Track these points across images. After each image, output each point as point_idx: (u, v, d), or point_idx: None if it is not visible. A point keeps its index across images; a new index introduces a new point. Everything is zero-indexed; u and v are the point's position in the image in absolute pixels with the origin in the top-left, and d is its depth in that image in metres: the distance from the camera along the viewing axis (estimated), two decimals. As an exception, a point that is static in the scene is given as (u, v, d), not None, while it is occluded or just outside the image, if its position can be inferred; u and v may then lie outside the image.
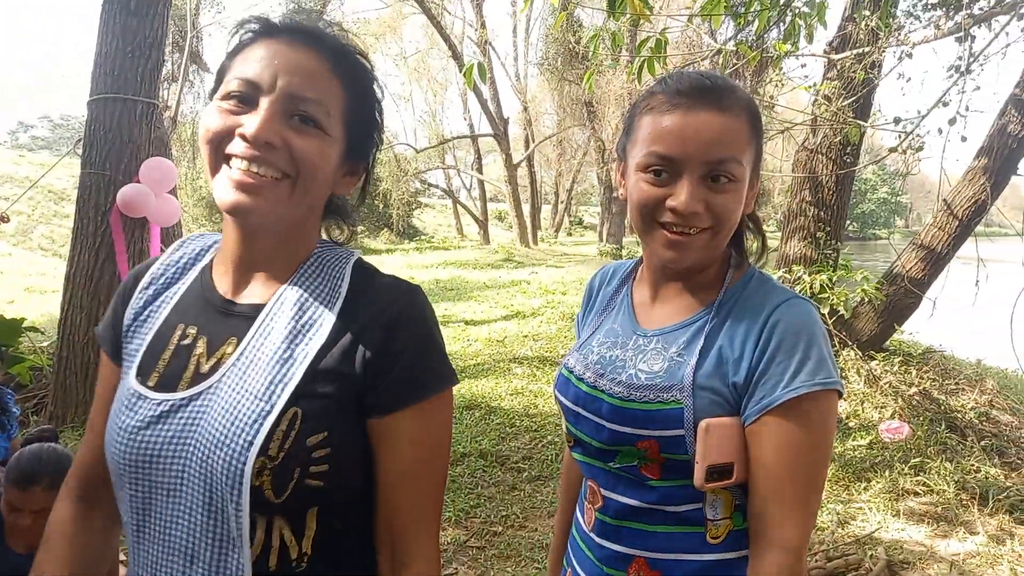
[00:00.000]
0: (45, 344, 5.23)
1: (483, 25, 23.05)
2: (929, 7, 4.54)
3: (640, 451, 1.04)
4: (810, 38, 3.66)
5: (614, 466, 1.09)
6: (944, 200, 5.07)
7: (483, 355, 6.89)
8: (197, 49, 14.29)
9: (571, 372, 1.17)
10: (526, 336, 7.73)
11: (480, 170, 28.58)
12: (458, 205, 31.68)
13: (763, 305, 1.02)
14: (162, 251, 1.07)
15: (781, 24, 4.12)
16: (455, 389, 1.06)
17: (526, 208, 24.40)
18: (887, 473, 4.04)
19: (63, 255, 15.11)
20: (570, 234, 35.91)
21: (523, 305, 9.81)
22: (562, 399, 1.18)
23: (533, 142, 26.50)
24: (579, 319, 1.31)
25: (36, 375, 4.49)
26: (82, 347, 4.46)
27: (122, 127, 4.61)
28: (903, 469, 4.06)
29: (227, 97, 0.87)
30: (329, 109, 0.88)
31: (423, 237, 27.01)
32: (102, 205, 4.47)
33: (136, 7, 4.65)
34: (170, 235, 4.75)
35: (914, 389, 4.94)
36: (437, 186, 32.28)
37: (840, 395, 0.99)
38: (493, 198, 33.35)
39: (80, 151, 4.75)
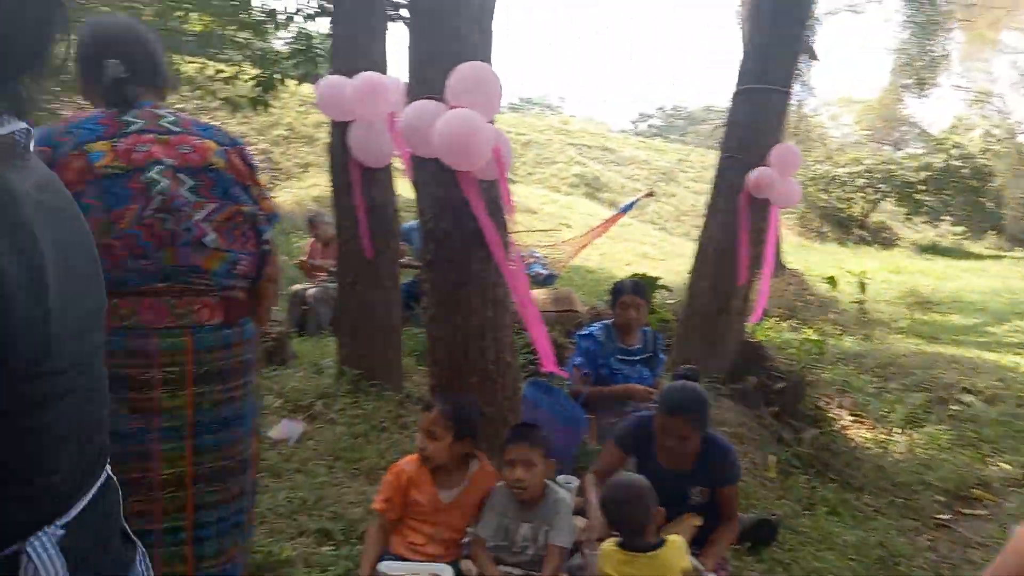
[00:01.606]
0: (670, 302, 6.15)
1: None
2: None
3: None
4: None
5: None
6: None
7: None
8: (807, 38, 14.43)
9: None
10: None
11: None
12: (1103, 208, 24.95)
13: None
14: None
15: None
16: None
17: None
18: None
19: (668, 229, 17.32)
20: None
21: None
22: None
23: None
24: None
25: (661, 326, 5.29)
26: (703, 312, 5.05)
27: (759, 115, 4.99)
28: None
29: None
30: None
31: (1044, 245, 22.17)
32: (736, 186, 4.94)
33: (783, 1, 4.97)
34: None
35: None
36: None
37: None
38: None
39: (719, 138, 5.33)
